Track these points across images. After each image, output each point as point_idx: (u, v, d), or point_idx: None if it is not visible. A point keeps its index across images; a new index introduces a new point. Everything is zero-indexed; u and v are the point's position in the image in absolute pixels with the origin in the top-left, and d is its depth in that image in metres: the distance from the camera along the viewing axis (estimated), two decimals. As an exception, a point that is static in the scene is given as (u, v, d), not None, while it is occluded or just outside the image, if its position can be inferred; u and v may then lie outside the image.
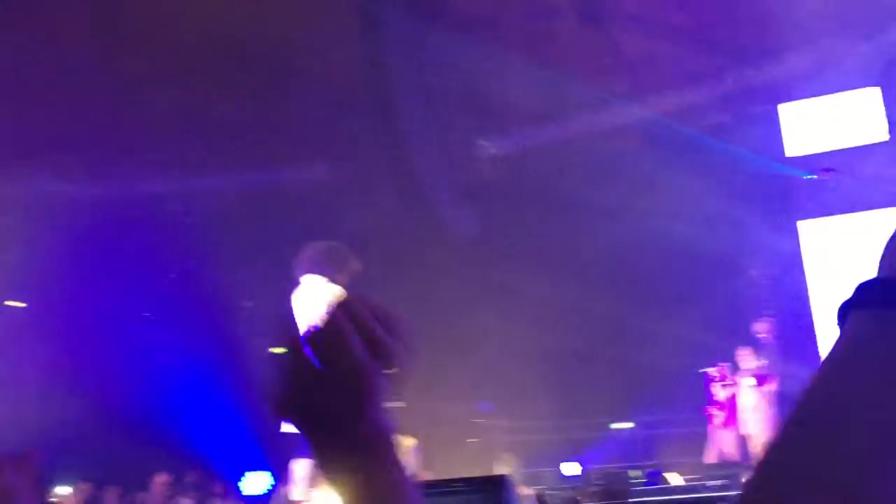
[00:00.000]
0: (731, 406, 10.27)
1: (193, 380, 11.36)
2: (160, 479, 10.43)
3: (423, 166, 12.53)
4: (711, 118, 12.87)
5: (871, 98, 11.81)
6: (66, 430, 9.30)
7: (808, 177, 12.02)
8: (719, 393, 10.34)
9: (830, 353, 0.64)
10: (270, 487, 10.41)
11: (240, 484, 10.52)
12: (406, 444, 7.84)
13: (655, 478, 9.65)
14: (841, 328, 0.66)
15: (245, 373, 11.70)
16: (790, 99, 12.49)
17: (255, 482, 10.45)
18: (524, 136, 13.00)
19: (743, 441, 10.11)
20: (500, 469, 8.86)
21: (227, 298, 12.17)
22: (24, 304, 12.18)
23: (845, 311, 0.65)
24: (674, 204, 11.77)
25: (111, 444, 10.35)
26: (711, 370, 10.41)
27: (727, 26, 12.08)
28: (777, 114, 12.56)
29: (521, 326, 11.55)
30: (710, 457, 10.32)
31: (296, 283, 8.34)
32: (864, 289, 0.65)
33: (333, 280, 7.49)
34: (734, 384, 10.23)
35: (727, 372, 10.32)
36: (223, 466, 10.85)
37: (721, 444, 10.35)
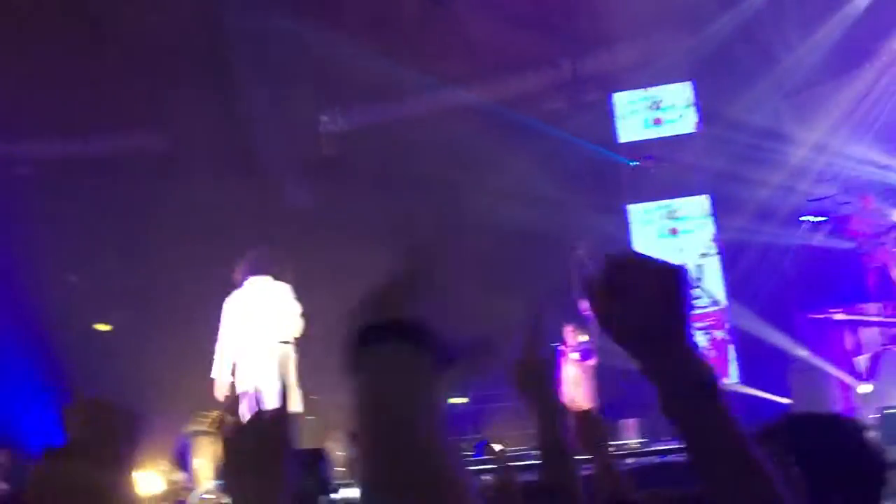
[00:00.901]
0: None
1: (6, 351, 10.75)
2: None
3: (262, 138, 12.30)
4: (548, 104, 13.32)
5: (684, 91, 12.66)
6: None
7: (634, 163, 12.67)
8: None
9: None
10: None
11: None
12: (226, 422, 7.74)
13: (481, 449, 9.95)
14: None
15: (60, 347, 11.18)
16: (622, 88, 13.09)
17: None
18: (364, 113, 13.00)
19: (567, 413, 10.57)
20: (331, 446, 8.85)
21: (49, 270, 11.55)
22: None
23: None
24: (508, 185, 12.09)
25: None
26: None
27: (564, 14, 12.49)
28: (610, 102, 13.14)
29: (351, 302, 11.58)
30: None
31: (230, 284, 8.10)
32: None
33: (278, 279, 7.48)
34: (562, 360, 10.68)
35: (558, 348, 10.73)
36: (33, 445, 10.35)
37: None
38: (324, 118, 12.94)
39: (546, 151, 12.20)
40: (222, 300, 9.84)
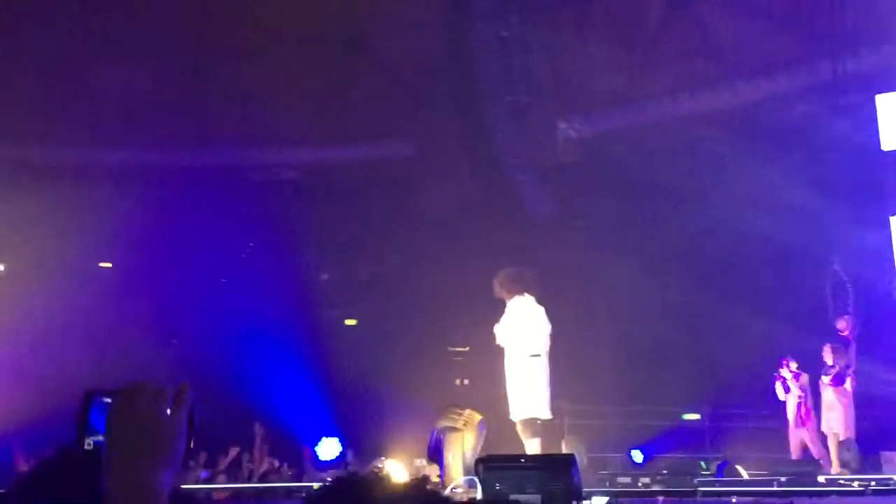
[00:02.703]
0: (805, 403, 10.07)
1: (267, 347, 11.70)
2: (260, 432, 10.78)
3: (505, 147, 12.52)
4: (803, 107, 12.49)
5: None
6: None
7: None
8: (793, 389, 10.13)
9: None
10: (340, 453, 10.69)
11: (316, 449, 10.82)
12: (474, 419, 7.94)
13: (722, 470, 9.54)
14: None
15: (318, 342, 11.98)
16: (888, 90, 12.01)
17: (328, 448, 10.75)
18: (606, 119, 12.84)
19: (822, 439, 9.91)
20: (568, 449, 8.86)
21: (304, 269, 12.44)
22: (109, 265, 12.72)
23: None
24: (758, 193, 11.51)
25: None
26: (787, 366, 10.19)
27: (823, 13, 11.68)
28: (874, 104, 12.10)
29: (596, 311, 11.51)
30: (794, 453, 10.18)
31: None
32: None
33: (537, 300, 8.21)
34: (806, 381, 10.03)
35: (800, 368, 10.11)
36: (298, 432, 11.19)
37: (800, 440, 10.17)
38: (563, 125, 12.93)
39: (801, 158, 11.48)
40: (464, 301, 10.20)
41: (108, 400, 1.30)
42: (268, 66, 12.02)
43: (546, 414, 8.23)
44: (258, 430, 10.88)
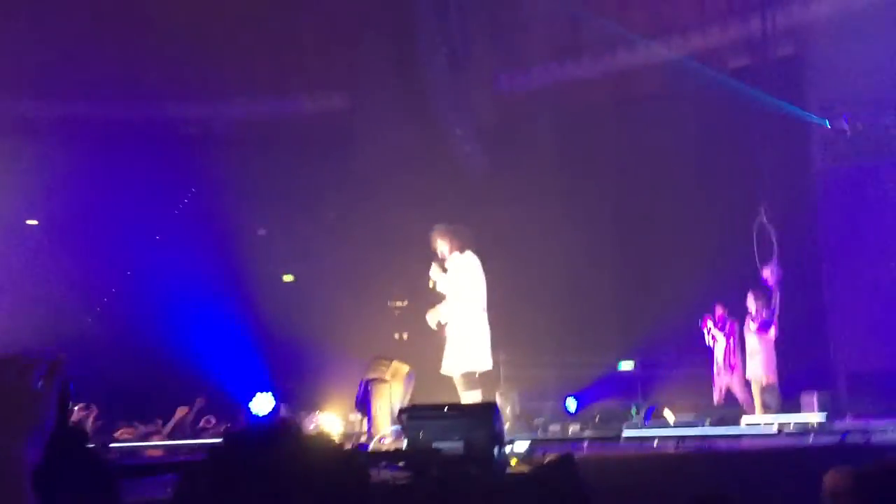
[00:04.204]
0: (731, 350, 10.37)
1: (202, 303, 11.61)
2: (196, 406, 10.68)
3: (441, 100, 12.48)
4: (734, 61, 12.65)
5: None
6: (77, 346, 9.55)
7: (828, 124, 11.85)
8: (719, 336, 10.43)
9: None
10: (273, 407, 10.73)
11: (249, 404, 10.85)
12: (401, 371, 8.06)
13: (650, 415, 9.83)
14: None
15: (255, 299, 11.94)
16: (816, 44, 12.21)
17: (262, 403, 10.79)
18: (541, 73, 12.87)
19: (746, 384, 10.24)
20: (502, 400, 9.05)
21: (239, 225, 12.32)
22: (35, 222, 12.44)
23: None
24: (689, 146, 11.69)
25: (120, 363, 10.66)
26: (713, 314, 10.47)
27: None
28: (803, 59, 12.30)
29: (530, 264, 11.64)
30: (717, 398, 10.50)
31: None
32: None
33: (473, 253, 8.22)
34: (734, 328, 10.32)
35: (727, 316, 10.40)
36: (232, 388, 11.18)
37: (724, 386, 10.49)
38: (499, 79, 12.93)
39: (729, 108, 11.66)
40: (403, 255, 10.24)
41: None
42: (201, 15, 11.76)
43: (488, 366, 8.39)
44: (198, 401, 10.75)
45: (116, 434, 9.23)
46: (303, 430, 1.62)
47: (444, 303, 8.41)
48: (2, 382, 1.27)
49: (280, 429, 1.60)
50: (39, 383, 1.28)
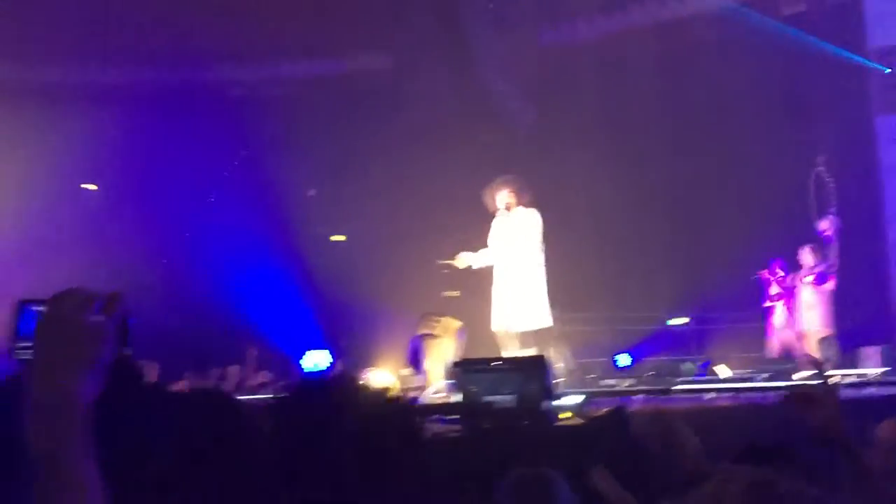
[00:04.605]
0: (787, 303, 10.21)
1: (255, 263, 11.81)
2: (252, 353, 11.02)
3: (485, 56, 12.36)
4: (788, 7, 12.28)
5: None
6: (136, 305, 9.77)
7: (889, 70, 11.47)
8: (775, 290, 10.26)
9: None
10: (329, 364, 10.92)
11: (301, 361, 11.05)
12: (452, 326, 8.09)
13: (705, 369, 9.77)
14: None
15: (306, 259, 12.09)
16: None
17: (316, 359, 10.98)
18: (585, 27, 12.66)
19: (800, 338, 10.08)
20: (556, 355, 9.02)
21: (290, 187, 12.43)
22: (95, 187, 12.73)
23: None
24: (743, 96, 11.43)
25: (179, 321, 10.92)
26: (770, 268, 10.30)
27: None
28: (859, 3, 11.89)
29: (581, 219, 11.55)
30: (772, 352, 10.35)
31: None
32: None
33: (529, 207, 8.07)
34: (792, 281, 10.14)
35: (785, 269, 10.22)
36: (285, 345, 11.41)
37: (779, 340, 10.35)
38: (544, 34, 12.75)
39: (782, 59, 11.36)
40: (448, 215, 10.21)
41: (39, 308, 1.30)
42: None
43: (549, 322, 8.25)
44: (251, 352, 11.09)
45: (175, 388, 9.47)
46: (360, 385, 1.65)
47: (485, 251, 8.26)
48: (59, 316, 1.27)
49: (340, 383, 1.64)
50: (97, 317, 1.28)
